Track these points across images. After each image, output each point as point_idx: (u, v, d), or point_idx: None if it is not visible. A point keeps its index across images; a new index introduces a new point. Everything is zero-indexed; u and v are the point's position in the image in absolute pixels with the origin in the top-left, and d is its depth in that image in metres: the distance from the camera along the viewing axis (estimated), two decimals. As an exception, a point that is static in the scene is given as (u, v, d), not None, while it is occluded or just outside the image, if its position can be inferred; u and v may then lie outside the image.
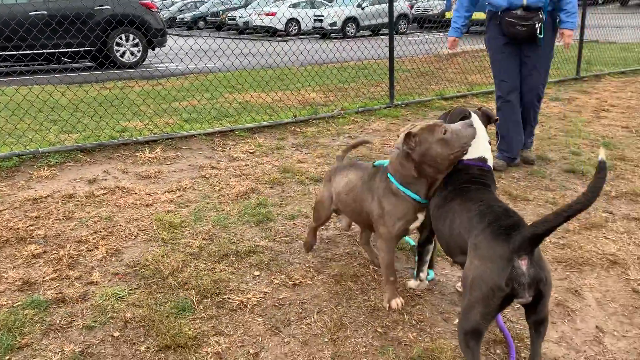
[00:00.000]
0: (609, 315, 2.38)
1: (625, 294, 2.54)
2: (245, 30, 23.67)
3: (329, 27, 20.50)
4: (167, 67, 9.25)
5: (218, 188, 3.87)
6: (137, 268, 2.79)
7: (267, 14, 22.07)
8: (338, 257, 2.88)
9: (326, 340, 2.23)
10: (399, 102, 6.53)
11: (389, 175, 2.34)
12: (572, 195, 3.71)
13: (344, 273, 2.68)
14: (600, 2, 23.59)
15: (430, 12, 21.73)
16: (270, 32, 21.39)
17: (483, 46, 11.59)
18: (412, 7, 23.24)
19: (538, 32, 3.89)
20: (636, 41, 12.51)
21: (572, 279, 2.67)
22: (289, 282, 2.64)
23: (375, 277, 2.69)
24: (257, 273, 2.73)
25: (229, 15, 25.11)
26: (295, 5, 22.86)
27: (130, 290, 2.59)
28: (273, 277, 2.69)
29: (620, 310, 2.42)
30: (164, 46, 11.04)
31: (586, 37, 9.21)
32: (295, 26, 22.48)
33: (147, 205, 3.59)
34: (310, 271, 2.74)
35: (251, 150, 4.80)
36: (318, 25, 21.02)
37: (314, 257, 2.88)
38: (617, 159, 4.42)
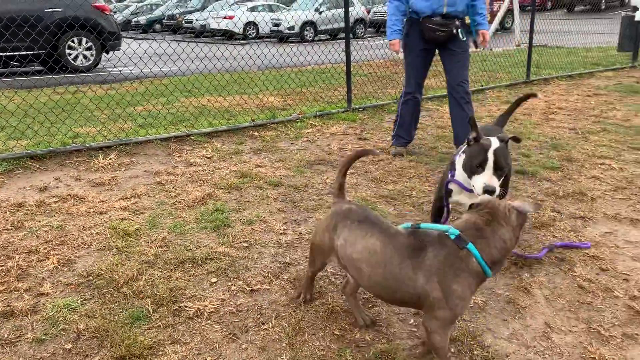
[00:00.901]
0: (557, 311, 2.48)
1: (572, 290, 2.65)
2: (202, 34, 23.40)
3: (287, 31, 20.52)
4: (120, 71, 9.07)
5: (174, 194, 3.82)
6: (91, 278, 2.72)
7: (225, 18, 21.92)
8: (296, 262, 2.89)
9: (284, 345, 2.23)
10: (357, 106, 6.60)
11: (472, 248, 1.86)
12: (523, 195, 3.84)
13: (302, 277, 2.69)
14: (548, 8, 24.46)
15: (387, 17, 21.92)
16: (227, 36, 21.24)
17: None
18: (369, 11, 23.52)
19: (461, 36, 4.37)
20: (582, 46, 13.02)
21: (523, 277, 2.76)
22: (247, 288, 2.63)
23: (333, 280, 2.71)
24: (214, 280, 2.71)
25: (186, 18, 24.79)
26: (253, 9, 22.79)
27: (83, 300, 2.53)
28: (230, 283, 2.68)
29: (567, 306, 2.52)
30: (119, 50, 10.81)
31: (536, 42, 9.54)
32: (253, 30, 22.41)
33: (100, 213, 3.51)
34: (269, 276, 2.74)
35: (208, 155, 4.76)
36: (276, 29, 21.01)
37: (272, 262, 2.88)
38: (564, 160, 4.59)
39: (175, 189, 3.92)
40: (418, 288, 1.87)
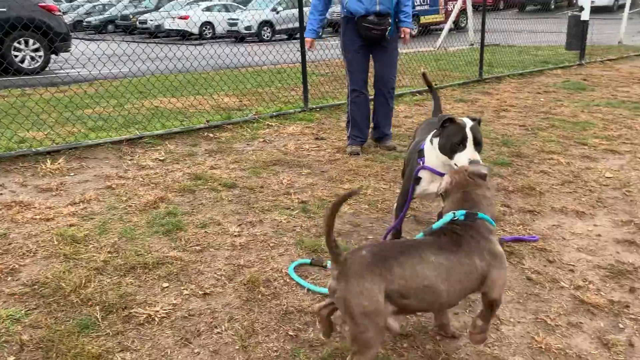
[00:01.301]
0: (506, 304, 2.53)
1: (520, 282, 2.72)
2: (157, 34, 22.98)
3: (245, 31, 20.37)
4: (67, 73, 8.79)
5: (125, 198, 3.73)
6: (36, 287, 2.62)
7: (180, 18, 21.59)
8: (250, 264, 2.86)
9: (237, 347, 2.21)
10: (314, 106, 6.60)
11: (482, 216, 2.01)
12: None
13: (255, 279, 2.67)
14: (501, 7, 25.10)
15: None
16: (183, 36, 20.92)
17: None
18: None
19: (391, 34, 4.62)
20: (532, 44, 13.43)
21: (474, 271, 2.81)
22: (199, 292, 2.59)
23: (287, 280, 2.70)
24: (165, 285, 2.65)
25: (140, 18, 24.29)
26: (209, 9, 22.53)
27: (28, 310, 2.44)
28: (182, 287, 2.63)
29: (516, 297, 2.58)
30: (68, 51, 10.48)
31: (488, 41, 9.77)
32: (209, 30, 22.15)
33: (47, 220, 3.39)
34: (222, 279, 2.70)
35: (161, 158, 4.67)
36: (233, 29, 20.83)
37: (225, 265, 2.85)
38: (514, 156, 4.71)
39: (127, 193, 3.83)
40: (479, 269, 1.95)
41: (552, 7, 27.38)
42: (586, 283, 2.69)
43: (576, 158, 4.63)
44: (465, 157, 2.47)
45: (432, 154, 2.68)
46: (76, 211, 3.52)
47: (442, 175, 2.65)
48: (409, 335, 2.28)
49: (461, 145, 2.49)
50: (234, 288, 2.63)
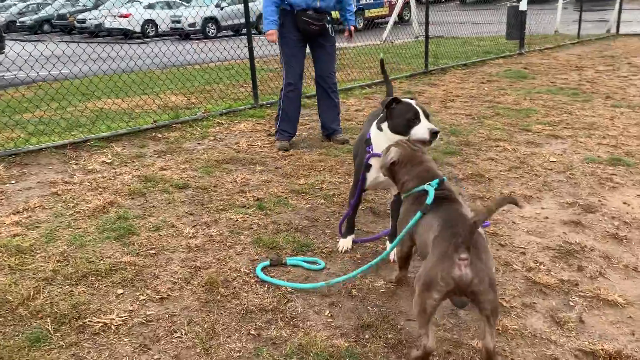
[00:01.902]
0: (463, 289, 2.59)
1: (475, 267, 2.78)
2: (97, 33, 22.22)
3: (189, 28, 19.98)
4: (3, 76, 8.38)
5: (72, 204, 3.59)
6: (-20, 302, 2.49)
7: (121, 16, 20.94)
8: (207, 265, 2.81)
9: (198, 351, 2.16)
10: (264, 102, 6.55)
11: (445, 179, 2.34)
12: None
13: (214, 280, 2.62)
14: (443, 0, 25.62)
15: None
16: (125, 35, 20.32)
17: (343, 44, 11.97)
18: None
19: (330, 31, 4.69)
20: (475, 35, 13.78)
21: (430, 259, 2.86)
22: (156, 297, 2.52)
23: (247, 279, 2.67)
24: (120, 291, 2.57)
25: (78, 17, 23.41)
26: (151, 6, 21.95)
27: (-28, 328, 2.31)
28: (138, 293, 2.56)
29: (471, 282, 2.64)
30: (2, 53, 9.98)
31: (432, 33, 9.95)
32: (152, 28, 21.59)
33: (-12, 231, 3.22)
34: (179, 282, 2.64)
35: (108, 161, 4.52)
36: (177, 26, 20.38)
37: (182, 268, 2.78)
38: (463, 145, 4.83)
39: (74, 199, 3.69)
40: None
41: (491, -2, 28.17)
42: (537, 264, 2.78)
43: (521, 144, 4.79)
44: (424, 128, 2.54)
45: (381, 139, 2.69)
46: (20, 220, 3.36)
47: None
48: (371, 326, 2.30)
49: (416, 119, 2.56)
50: (191, 290, 2.58)
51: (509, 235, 3.11)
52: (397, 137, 2.58)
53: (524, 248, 2.97)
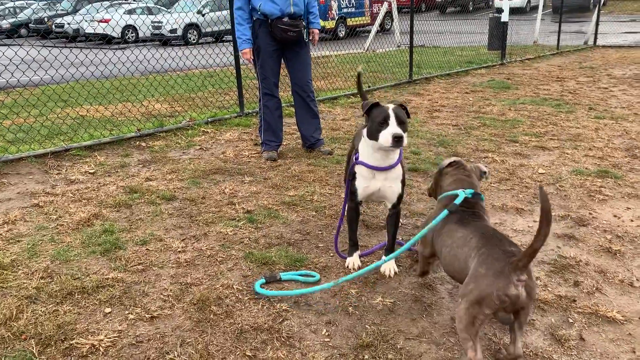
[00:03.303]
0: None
1: (471, 282, 2.74)
2: (76, 39, 21.87)
3: (170, 34, 19.79)
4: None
5: (55, 217, 3.47)
6: (-42, 323, 2.36)
7: (100, 21, 20.66)
8: (198, 281, 2.72)
9: (192, 374, 2.08)
10: (250, 111, 6.47)
11: (482, 198, 2.49)
12: (416, 192, 3.95)
13: (206, 298, 2.54)
14: (423, 9, 25.86)
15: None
16: (105, 40, 20.05)
17: (326, 53, 11.97)
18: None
19: (304, 37, 4.63)
20: (456, 45, 13.91)
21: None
22: (146, 316, 2.43)
23: (240, 297, 2.59)
24: (108, 310, 2.47)
25: (56, 22, 23.02)
26: (131, 12, 21.70)
27: (-50, 351, 2.18)
28: (127, 312, 2.46)
29: (469, 298, 2.60)
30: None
31: (414, 43, 9.99)
32: (132, 33, 21.35)
33: (-34, 245, 3.08)
34: (169, 300, 2.55)
35: (91, 171, 4.39)
36: (157, 32, 20.19)
37: (172, 285, 2.69)
38: (451, 155, 4.81)
39: (56, 211, 3.56)
40: None
41: (471, 8, 28.56)
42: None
43: (509, 155, 4.80)
44: (388, 132, 2.48)
45: (363, 146, 2.68)
46: (0, 234, 3.22)
47: (377, 169, 2.66)
48: (370, 346, 2.24)
49: (385, 124, 2.50)
50: (183, 309, 2.49)
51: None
52: (375, 143, 2.55)
53: (519, 262, 2.94)
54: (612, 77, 9.22)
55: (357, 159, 2.71)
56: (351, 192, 2.78)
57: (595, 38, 14.78)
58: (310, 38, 4.81)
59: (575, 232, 3.28)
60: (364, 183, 2.72)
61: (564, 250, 3.06)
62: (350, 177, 2.75)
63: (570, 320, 2.42)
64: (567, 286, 2.70)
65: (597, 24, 14.86)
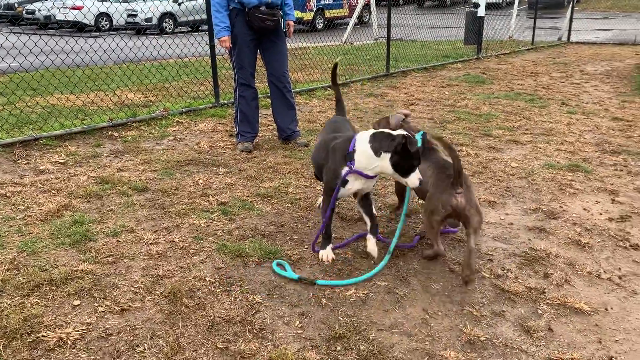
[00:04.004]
0: (433, 297, 2.57)
1: (444, 274, 2.77)
2: (47, 25, 21.35)
3: (145, 23, 19.45)
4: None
5: (23, 208, 3.38)
6: None
7: (73, 8, 20.18)
8: (170, 273, 2.69)
9: (163, 367, 2.05)
10: (226, 102, 6.40)
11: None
12: (391, 184, 3.96)
13: (177, 290, 2.51)
14: (401, 3, 25.90)
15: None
16: (77, 28, 19.60)
17: (303, 44, 11.93)
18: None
19: (281, 26, 4.63)
20: (433, 39, 13.98)
21: (399, 265, 2.83)
22: (116, 308, 2.39)
23: (212, 289, 2.56)
24: (77, 302, 2.42)
25: (27, 8, 22.42)
26: (104, -1, 21.25)
27: None
28: (97, 304, 2.41)
29: (441, 290, 2.63)
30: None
31: (392, 36, 10.01)
32: (106, 21, 20.91)
33: None
34: (140, 292, 2.51)
35: (62, 161, 4.30)
36: (132, 20, 19.82)
37: (143, 277, 2.65)
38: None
39: (24, 202, 3.48)
40: None
41: (448, 3, 28.72)
42: (505, 272, 2.79)
43: (483, 149, 4.84)
44: (416, 176, 2.62)
45: (367, 162, 2.65)
46: (-36, 225, 3.13)
47: (370, 177, 2.71)
48: (343, 337, 2.25)
49: (415, 166, 2.63)
50: (154, 301, 2.45)
51: (475, 242, 3.11)
52: (394, 173, 2.64)
53: (491, 255, 2.98)
54: (585, 73, 9.38)
55: (352, 165, 2.68)
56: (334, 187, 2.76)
57: (569, 34, 15.02)
58: (286, 29, 4.78)
59: (546, 225, 3.33)
60: (350, 185, 2.74)
61: (534, 242, 3.11)
62: (343, 185, 2.73)
63: (540, 312, 2.46)
64: (537, 278, 2.74)
65: (571, 21, 15.10)
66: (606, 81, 8.50)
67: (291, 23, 4.79)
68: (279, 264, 2.76)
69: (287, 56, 4.80)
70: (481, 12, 11.00)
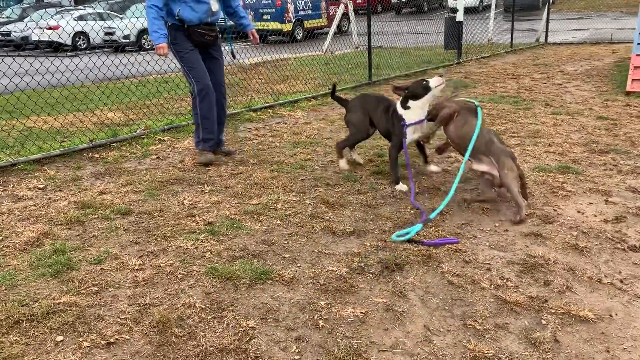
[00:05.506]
0: (433, 312, 2.48)
1: (443, 287, 2.68)
2: (24, 46, 21.07)
3: (123, 40, 19.27)
4: None
5: (0, 237, 3.23)
6: None
7: (49, 28, 19.95)
8: (158, 301, 2.56)
9: (154, 404, 1.93)
10: (207, 117, 6.27)
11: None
12: (383, 195, 3.88)
13: (166, 319, 2.39)
14: (379, 10, 26.03)
15: (228, 23, 21.84)
16: (57, 48, 19.36)
17: (285, 55, 11.83)
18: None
19: (219, 40, 4.75)
20: (413, 45, 14.01)
21: (396, 280, 2.74)
22: (102, 342, 2.26)
23: (203, 316, 2.45)
24: (60, 338, 2.29)
25: (2, 30, 22.12)
26: (82, 18, 21.03)
27: None
28: (81, 339, 2.28)
29: (441, 304, 2.54)
30: None
31: (372, 44, 9.99)
32: (83, 40, 20.69)
33: None
34: (127, 324, 2.39)
35: (40, 186, 4.15)
36: (110, 38, 19.64)
37: (129, 306, 2.52)
38: (414, 157, 4.77)
39: (2, 231, 3.33)
40: None
41: (426, 9, 28.94)
42: (504, 281, 2.72)
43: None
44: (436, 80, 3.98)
45: (414, 113, 3.97)
46: (-62, 259, 2.98)
47: (420, 123, 4.00)
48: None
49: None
50: (142, 332, 2.33)
51: (472, 251, 3.04)
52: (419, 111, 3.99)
53: (489, 264, 2.90)
54: (565, 73, 9.43)
55: (405, 121, 3.97)
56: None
57: (547, 35, 15.16)
58: (252, 38, 4.91)
59: (541, 230, 3.27)
60: (410, 138, 4.01)
61: (532, 249, 3.04)
62: (405, 136, 3.98)
63: (544, 322, 2.38)
64: (537, 286, 2.67)
65: (547, 22, 15.25)
66: (587, 80, 8.54)
67: (254, 32, 4.92)
68: (398, 235, 3.19)
69: (223, 70, 4.87)
70: (460, 17, 11.04)
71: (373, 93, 4.23)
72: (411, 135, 4.00)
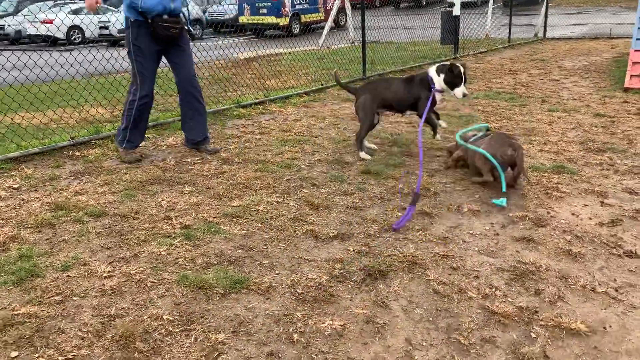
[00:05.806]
0: (416, 324, 2.33)
1: (428, 296, 2.54)
2: (18, 40, 20.87)
3: (119, 34, 19.05)
4: None
5: (-35, 242, 3.08)
6: None
7: (44, 22, 19.73)
8: (124, 312, 2.41)
9: None
10: (194, 113, 6.11)
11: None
12: (370, 196, 3.73)
13: (131, 332, 2.24)
14: (377, 5, 25.81)
15: (224, 17, 21.65)
16: (54, 42, 19.17)
17: (278, 50, 11.64)
18: (204, 12, 22.90)
19: (191, 29, 4.66)
20: (409, 40, 13.82)
21: (379, 289, 2.59)
22: (59, 358, 2.11)
23: (171, 329, 2.30)
24: (14, 354, 2.14)
25: (-4, 23, 21.89)
26: (76, 12, 20.80)
27: None
28: (37, 355, 2.13)
29: (425, 315, 2.39)
30: None
31: (368, 39, 9.82)
32: (78, 34, 20.48)
33: None
34: (88, 337, 2.24)
35: (15, 186, 4.00)
36: (105, 32, 19.43)
37: (93, 318, 2.37)
38: (405, 156, 4.63)
39: (-32, 235, 3.17)
40: None
41: (424, 3, 28.71)
42: (492, 290, 2.57)
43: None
44: (461, 90, 4.44)
45: (440, 84, 4.45)
46: None
47: (441, 91, 4.51)
48: None
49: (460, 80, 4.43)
50: (103, 347, 2.18)
51: (460, 257, 2.89)
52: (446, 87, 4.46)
53: (477, 270, 2.75)
54: (563, 68, 9.27)
55: (434, 86, 4.44)
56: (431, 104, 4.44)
57: (545, 30, 14.98)
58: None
59: (534, 234, 3.12)
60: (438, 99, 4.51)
61: (523, 255, 2.89)
62: (431, 97, 4.41)
63: (533, 335, 2.24)
64: (527, 295, 2.52)
65: (546, 17, 15.06)
66: (585, 76, 8.38)
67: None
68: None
69: (193, 61, 4.71)
70: (457, 11, 10.86)
71: (380, 78, 4.45)
72: (438, 97, 4.50)
